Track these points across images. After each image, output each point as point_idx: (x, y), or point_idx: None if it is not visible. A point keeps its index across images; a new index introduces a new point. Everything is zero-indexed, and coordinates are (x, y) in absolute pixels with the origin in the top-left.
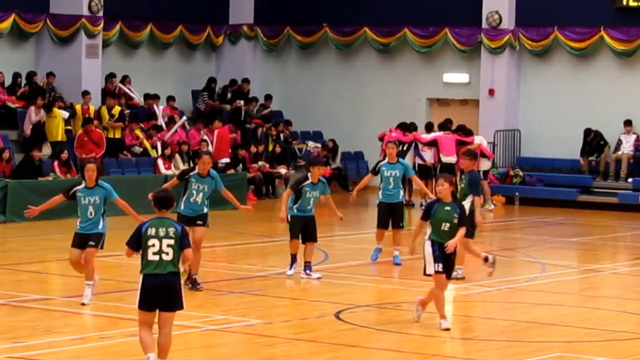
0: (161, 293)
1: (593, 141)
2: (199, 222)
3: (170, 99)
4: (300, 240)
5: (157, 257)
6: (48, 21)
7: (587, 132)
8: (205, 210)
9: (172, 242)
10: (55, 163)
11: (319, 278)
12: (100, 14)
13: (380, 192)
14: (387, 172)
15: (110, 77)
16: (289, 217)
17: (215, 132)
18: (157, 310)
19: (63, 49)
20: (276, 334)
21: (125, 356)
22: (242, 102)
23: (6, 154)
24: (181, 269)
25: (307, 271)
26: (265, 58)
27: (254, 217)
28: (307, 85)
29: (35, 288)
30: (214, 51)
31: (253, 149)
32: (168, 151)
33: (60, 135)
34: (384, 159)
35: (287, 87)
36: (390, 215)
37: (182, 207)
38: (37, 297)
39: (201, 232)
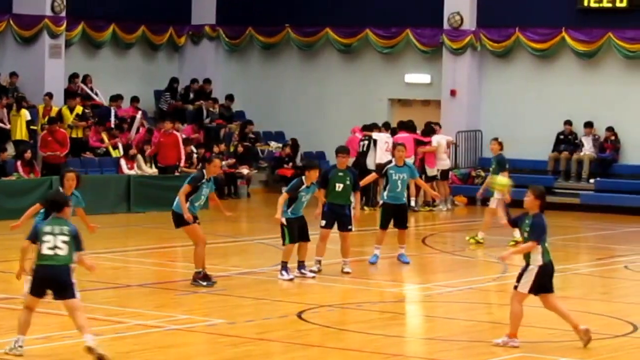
0: (51, 282)
1: (569, 136)
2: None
3: (135, 99)
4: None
5: (51, 252)
6: (11, 21)
7: (567, 122)
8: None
9: (66, 238)
10: (19, 163)
11: (313, 277)
12: (63, 14)
13: (385, 194)
14: (395, 175)
15: (73, 77)
16: (284, 219)
17: (179, 134)
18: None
19: (26, 49)
20: (239, 333)
21: (90, 356)
22: (203, 102)
23: None
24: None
25: (302, 270)
26: (227, 58)
27: (216, 217)
28: (269, 86)
29: None
30: (177, 51)
31: (215, 149)
32: (133, 151)
33: (23, 135)
34: (390, 161)
35: (249, 87)
36: (395, 216)
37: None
38: (1, 296)
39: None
